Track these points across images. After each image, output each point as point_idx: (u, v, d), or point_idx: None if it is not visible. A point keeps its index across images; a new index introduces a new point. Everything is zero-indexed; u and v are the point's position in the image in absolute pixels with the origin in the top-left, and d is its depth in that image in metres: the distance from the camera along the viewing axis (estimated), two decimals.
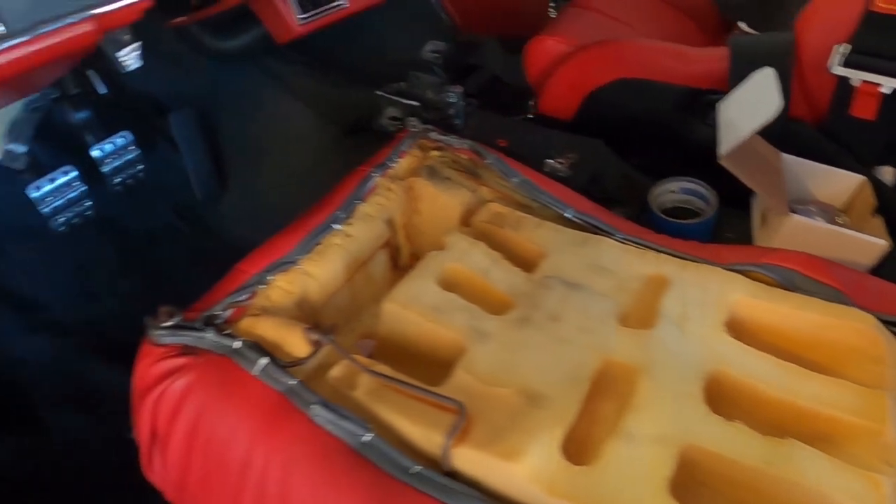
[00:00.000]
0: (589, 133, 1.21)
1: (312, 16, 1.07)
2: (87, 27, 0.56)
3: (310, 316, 0.76)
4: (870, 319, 0.67)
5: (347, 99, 1.33)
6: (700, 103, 1.13)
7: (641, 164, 1.17)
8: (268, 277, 0.73)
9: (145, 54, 0.78)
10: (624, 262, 0.78)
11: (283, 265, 0.75)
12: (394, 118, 1.19)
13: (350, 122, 1.27)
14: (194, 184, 1.22)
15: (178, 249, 1.25)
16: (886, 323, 0.68)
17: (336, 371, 0.63)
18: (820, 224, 0.90)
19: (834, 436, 0.60)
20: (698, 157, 1.16)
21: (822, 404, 0.60)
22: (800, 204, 1.00)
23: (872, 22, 0.93)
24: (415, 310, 0.69)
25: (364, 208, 0.84)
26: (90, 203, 1.05)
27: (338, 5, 1.11)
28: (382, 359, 0.68)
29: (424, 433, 0.56)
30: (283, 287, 0.74)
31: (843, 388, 0.61)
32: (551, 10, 2.02)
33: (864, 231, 0.94)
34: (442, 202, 0.88)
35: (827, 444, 0.59)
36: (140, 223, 1.24)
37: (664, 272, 0.75)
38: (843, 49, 0.96)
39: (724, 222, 1.06)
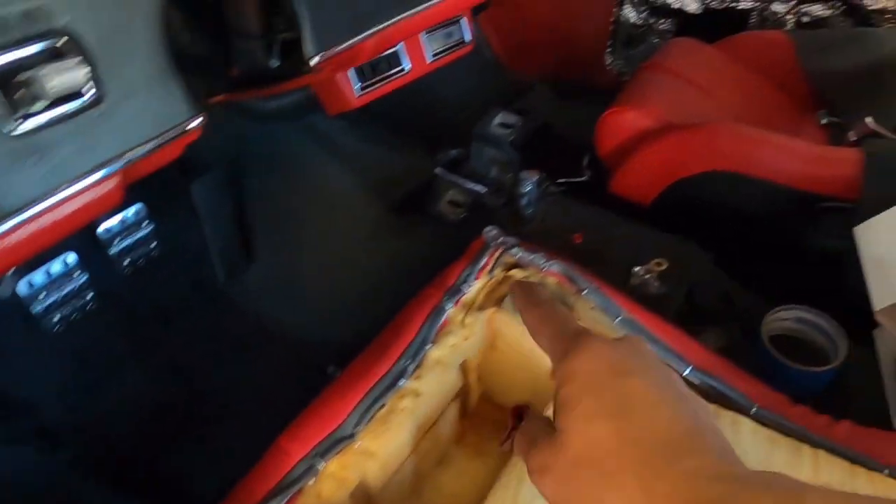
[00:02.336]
0: (670, 224, 1.05)
1: (372, 85, 0.90)
2: (109, 185, 0.39)
3: None
4: None
5: (399, 166, 1.16)
6: (815, 210, 0.97)
7: (735, 272, 1.01)
8: (319, 464, 0.57)
9: None
10: (771, 459, 0.61)
11: (337, 443, 0.59)
12: (454, 203, 1.03)
13: (400, 197, 1.11)
14: (216, 259, 1.06)
15: (194, 330, 1.09)
16: None
17: None
18: None
19: None
20: (807, 271, 1.01)
21: None
22: None
23: None
24: None
25: (435, 354, 0.68)
26: (92, 294, 0.88)
27: (399, 71, 0.95)
28: None
29: None
30: (337, 474, 0.57)
31: None
32: (608, 55, 1.86)
33: None
34: (528, 345, 0.71)
35: None
36: (151, 300, 1.07)
37: (826, 482, 0.59)
38: None
39: (847, 362, 0.89)
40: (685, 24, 1.72)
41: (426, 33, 0.97)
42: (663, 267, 0.96)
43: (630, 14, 1.78)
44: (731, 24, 1.66)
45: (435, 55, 1.00)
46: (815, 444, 0.62)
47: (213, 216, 1.05)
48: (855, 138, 1.08)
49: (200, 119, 0.41)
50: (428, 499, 0.66)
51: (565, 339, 0.34)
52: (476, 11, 1.72)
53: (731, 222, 1.07)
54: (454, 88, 1.71)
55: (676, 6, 1.70)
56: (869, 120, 1.07)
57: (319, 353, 0.91)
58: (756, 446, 0.62)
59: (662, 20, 1.75)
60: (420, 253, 0.99)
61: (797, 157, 0.99)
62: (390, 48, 0.83)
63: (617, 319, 0.73)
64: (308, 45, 0.53)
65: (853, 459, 0.61)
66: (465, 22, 1.06)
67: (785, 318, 0.90)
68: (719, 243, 1.06)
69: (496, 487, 0.56)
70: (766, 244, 1.04)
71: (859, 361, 0.89)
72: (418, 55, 0.98)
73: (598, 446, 0.30)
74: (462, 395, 0.74)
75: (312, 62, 0.54)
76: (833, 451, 0.62)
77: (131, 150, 0.36)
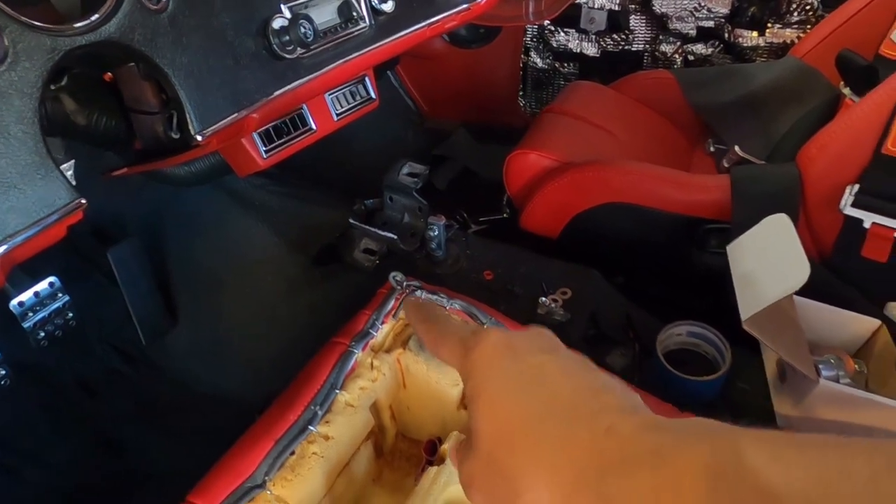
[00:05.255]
0: (576, 254, 1.13)
1: (278, 147, 0.95)
2: None
3: None
4: None
5: (312, 217, 1.20)
6: (700, 233, 1.06)
7: (637, 294, 1.09)
8: None
9: (80, 173, 0.64)
10: None
11: (247, 493, 0.61)
12: (368, 251, 1.08)
13: (318, 250, 1.15)
14: (138, 324, 1.07)
15: (121, 399, 1.08)
16: None
17: None
18: (856, 393, 0.82)
19: None
20: (697, 288, 1.09)
21: None
22: (815, 352, 0.92)
23: (883, 164, 0.88)
24: None
25: (344, 397, 0.71)
26: (4, 371, 0.87)
27: (306, 131, 1.00)
28: None
29: None
30: None
31: None
32: (520, 98, 1.97)
33: (887, 384, 0.87)
34: (434, 381, 0.76)
35: None
36: (73, 371, 1.06)
37: None
38: (854, 189, 0.91)
39: (735, 368, 0.97)
40: (587, 66, 1.86)
41: (329, 94, 1.03)
42: (568, 296, 1.03)
43: (536, 60, 1.91)
44: (628, 63, 1.81)
45: (340, 114, 1.06)
46: None
47: (132, 282, 1.06)
48: (727, 165, 1.19)
49: (81, 202, 0.44)
50: None
51: (464, 341, 0.33)
52: (390, 67, 1.80)
53: (629, 249, 1.15)
54: (376, 139, 1.78)
55: (577, 51, 1.84)
56: (736, 148, 1.18)
57: (244, 411, 0.93)
58: None
59: (566, 64, 1.88)
60: (337, 302, 1.02)
61: (678, 186, 1.09)
62: (287, 114, 0.88)
63: None
64: (191, 123, 0.58)
65: None
66: (368, 81, 1.12)
67: (678, 333, 0.98)
68: (620, 270, 1.15)
69: None
70: (661, 267, 1.13)
71: (749, 368, 0.98)
72: (324, 115, 1.03)
73: (506, 426, 0.28)
74: (376, 435, 0.77)
75: (198, 138, 0.59)
76: None
77: (9, 238, 0.39)
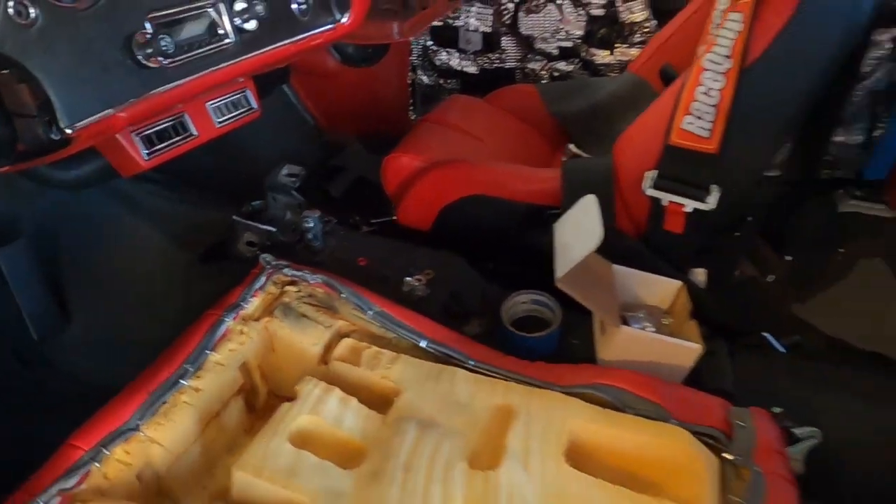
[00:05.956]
0: (447, 243, 1.28)
1: (159, 150, 1.05)
2: None
3: (153, 484, 0.72)
4: (684, 436, 0.75)
5: (203, 221, 1.30)
6: (543, 218, 1.24)
7: (496, 275, 1.25)
8: (104, 451, 0.69)
9: None
10: (476, 394, 0.82)
11: (122, 434, 0.71)
12: (251, 244, 1.19)
13: (206, 247, 1.25)
14: (29, 322, 1.13)
15: (17, 397, 1.13)
16: (697, 434, 0.77)
17: None
18: (647, 334, 1.01)
19: None
20: (545, 267, 1.27)
21: None
22: (631, 310, 1.11)
23: (671, 153, 1.08)
24: (266, 476, 0.68)
25: (215, 357, 0.83)
26: None
27: (188, 136, 1.11)
28: None
29: None
30: (122, 460, 0.70)
31: None
32: (410, 111, 2.14)
33: (682, 332, 1.06)
34: (297, 342, 0.88)
35: None
36: None
37: (511, 402, 0.80)
38: (653, 174, 1.11)
39: (570, 328, 1.14)
40: (468, 82, 2.06)
41: (211, 104, 1.15)
42: (431, 276, 1.18)
43: (423, 77, 2.09)
44: (503, 80, 2.01)
45: (222, 122, 1.17)
46: (508, 378, 0.84)
47: (23, 281, 1.12)
48: (564, 159, 1.39)
49: None
50: (218, 479, 0.79)
51: None
52: (276, 81, 1.91)
53: (491, 236, 1.32)
54: (274, 151, 1.89)
55: (458, 68, 2.03)
56: (571, 146, 1.39)
57: None
58: (467, 385, 0.83)
59: (450, 80, 2.07)
60: (222, 291, 1.13)
61: (525, 179, 1.27)
62: (166, 119, 0.99)
63: (370, 312, 0.92)
64: (61, 119, 0.68)
65: (531, 384, 0.83)
66: (249, 93, 1.24)
67: (522, 301, 1.15)
68: (485, 256, 1.31)
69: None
70: (516, 249, 1.30)
71: (582, 327, 1.16)
72: (206, 122, 1.14)
73: None
74: (247, 392, 0.88)
75: (67, 132, 0.70)
76: (519, 381, 0.84)
77: None
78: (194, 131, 1.13)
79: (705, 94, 1.03)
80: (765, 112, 1.03)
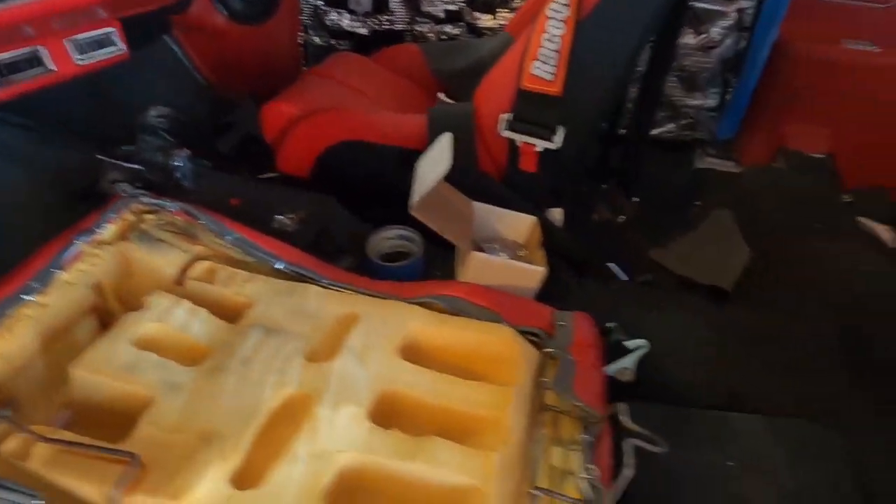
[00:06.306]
0: (325, 190, 1.33)
1: (11, 81, 1.03)
2: None
3: None
4: (509, 332, 0.84)
5: (71, 164, 1.28)
6: (411, 161, 1.30)
7: (372, 217, 1.31)
8: None
9: None
10: (324, 305, 0.88)
11: None
12: (115, 181, 1.18)
13: (78, 187, 1.23)
14: None
15: None
16: (524, 332, 0.86)
17: (9, 445, 0.62)
18: (494, 258, 1.10)
19: (476, 428, 0.74)
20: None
21: (467, 405, 0.75)
22: (489, 242, 1.21)
23: (522, 96, 1.17)
24: (105, 373, 0.71)
25: (64, 276, 0.84)
26: None
27: (45, 70, 1.09)
28: (81, 426, 0.69)
29: (98, 489, 0.58)
30: None
31: (482, 389, 0.76)
32: (302, 70, 2.15)
33: (534, 261, 1.16)
34: (154, 265, 0.91)
35: (471, 435, 0.73)
36: None
37: (356, 310, 0.87)
38: (507, 117, 1.20)
39: (435, 262, 1.22)
40: (360, 43, 2.08)
41: (67, 40, 1.13)
42: (302, 216, 1.22)
43: (315, 38, 2.10)
44: (394, 41, 2.05)
45: (83, 59, 1.16)
46: (357, 293, 0.90)
47: None
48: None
49: None
50: (67, 392, 0.81)
51: None
52: (161, 30, 1.86)
53: (367, 181, 1.37)
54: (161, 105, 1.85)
55: (350, 30, 2.06)
56: (441, 95, 1.46)
57: None
58: (317, 299, 0.88)
59: (342, 42, 2.09)
60: None
61: (395, 124, 1.33)
62: (10, 48, 0.98)
63: (228, 238, 0.95)
64: None
65: (377, 296, 0.90)
66: (115, 33, 1.23)
67: (389, 237, 1.21)
68: (359, 198, 1.37)
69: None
70: (387, 191, 1.36)
71: (447, 261, 1.24)
72: (63, 57, 1.13)
73: None
74: (102, 314, 0.90)
75: None
76: (367, 295, 0.90)
77: None
78: (52, 66, 1.12)
79: (549, 40, 1.12)
80: (599, 60, 1.14)
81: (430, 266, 1.21)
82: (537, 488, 0.64)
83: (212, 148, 1.86)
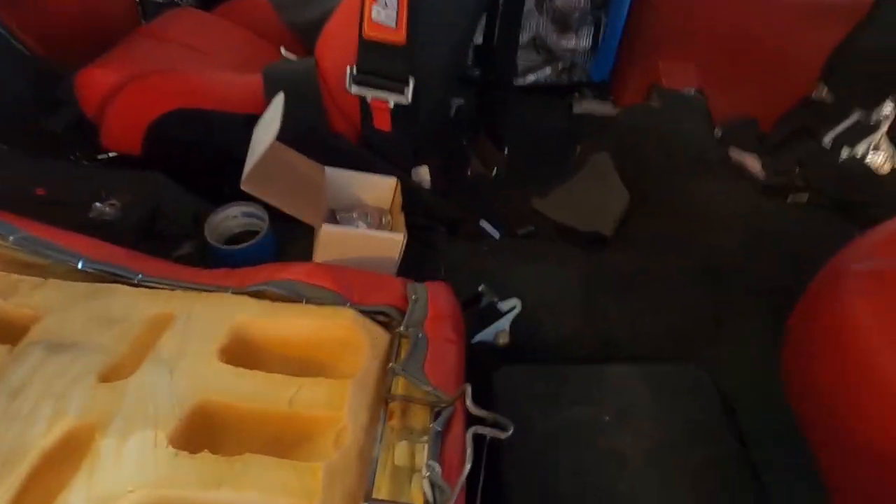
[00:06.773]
0: (163, 167, 1.16)
1: None
2: None
3: None
4: (350, 315, 0.75)
5: None
6: (251, 127, 1.16)
7: (219, 196, 1.16)
8: None
9: None
10: (134, 307, 0.74)
11: None
12: None
13: None
14: None
15: None
16: (372, 312, 0.77)
17: None
18: (346, 229, 1.00)
19: (312, 433, 0.65)
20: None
21: (300, 407, 0.65)
22: (347, 211, 1.10)
23: (366, 46, 1.05)
24: None
25: None
26: None
27: None
28: None
29: None
30: None
31: (317, 386, 0.67)
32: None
33: (396, 227, 1.07)
34: None
35: (306, 442, 0.64)
36: None
37: (172, 309, 0.74)
38: (353, 70, 1.07)
39: (292, 240, 1.10)
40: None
41: None
42: (127, 200, 1.06)
43: None
44: None
45: None
46: (176, 288, 0.78)
47: None
48: None
49: None
50: None
51: None
52: None
53: (205, 154, 1.22)
54: None
55: None
56: (282, 49, 1.32)
57: None
58: (125, 300, 0.75)
59: None
60: None
61: (229, 87, 1.17)
62: None
63: (11, 238, 0.79)
64: None
65: (200, 290, 0.78)
66: None
67: (234, 215, 1.08)
68: (198, 173, 1.21)
69: None
70: (231, 164, 1.22)
71: (305, 239, 1.12)
72: None
73: None
74: None
75: None
76: (188, 288, 0.78)
77: None
78: None
79: None
80: (445, 1, 1.04)
81: (286, 245, 1.10)
82: (372, 500, 0.56)
83: (37, 127, 1.62)
